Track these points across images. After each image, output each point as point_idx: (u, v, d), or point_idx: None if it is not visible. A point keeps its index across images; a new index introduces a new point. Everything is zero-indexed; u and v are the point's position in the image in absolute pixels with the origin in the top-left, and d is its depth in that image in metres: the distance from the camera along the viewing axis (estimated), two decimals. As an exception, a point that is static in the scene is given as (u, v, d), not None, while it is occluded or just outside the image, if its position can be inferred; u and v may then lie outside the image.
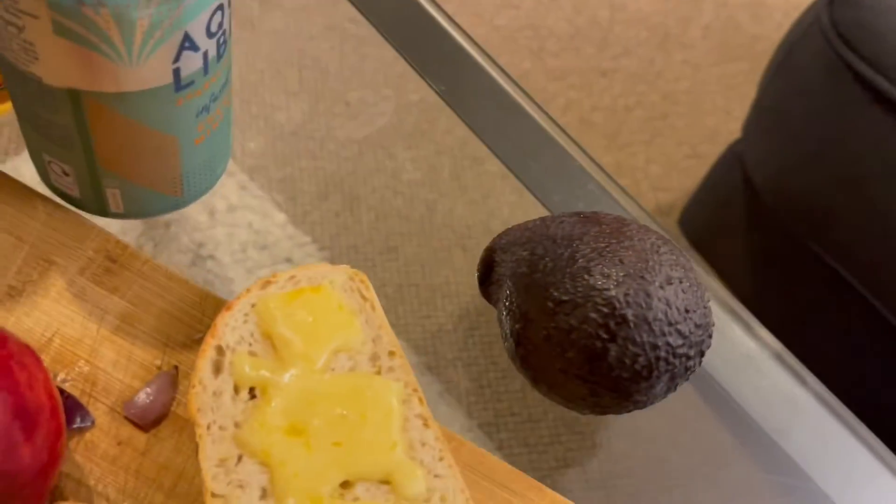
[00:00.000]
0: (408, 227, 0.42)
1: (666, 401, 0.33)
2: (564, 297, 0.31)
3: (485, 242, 0.34)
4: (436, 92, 0.46)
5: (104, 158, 0.32)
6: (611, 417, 0.37)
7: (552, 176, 0.44)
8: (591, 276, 0.31)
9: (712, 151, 1.20)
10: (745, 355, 0.39)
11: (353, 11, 0.48)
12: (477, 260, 0.35)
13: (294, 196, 0.41)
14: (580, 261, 0.31)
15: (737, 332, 0.40)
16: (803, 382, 0.39)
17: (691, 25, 1.39)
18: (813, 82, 0.71)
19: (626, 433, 0.37)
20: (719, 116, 1.30)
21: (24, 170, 0.35)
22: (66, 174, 0.33)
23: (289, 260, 0.40)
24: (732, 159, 0.88)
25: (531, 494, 0.32)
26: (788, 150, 0.75)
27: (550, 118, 0.46)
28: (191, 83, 0.30)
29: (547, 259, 0.32)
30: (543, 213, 0.41)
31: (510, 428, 0.37)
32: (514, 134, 0.45)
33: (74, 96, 0.29)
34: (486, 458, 0.32)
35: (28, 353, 0.26)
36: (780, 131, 0.76)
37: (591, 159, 0.44)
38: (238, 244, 0.39)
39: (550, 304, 0.31)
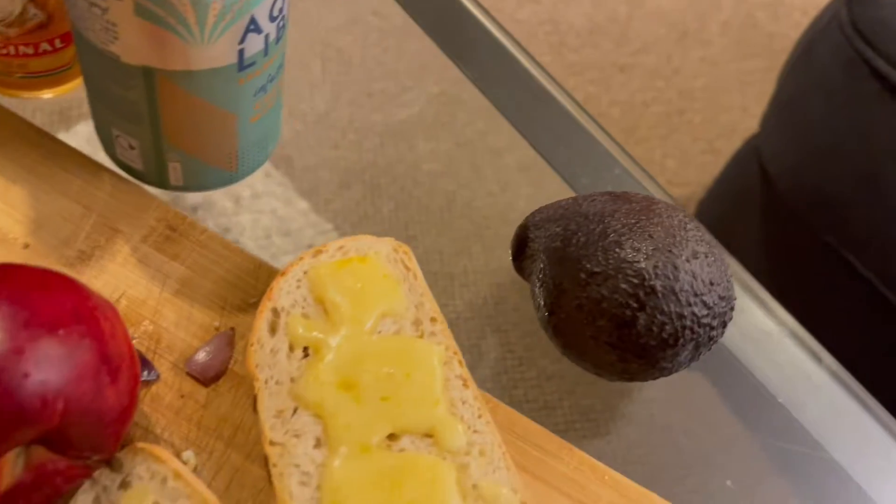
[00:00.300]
0: (427, 216, 0.43)
1: (685, 380, 0.35)
2: (597, 269, 0.33)
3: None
4: (469, 78, 0.48)
5: (169, 133, 0.34)
6: (625, 404, 0.39)
7: (579, 161, 0.46)
8: (622, 249, 0.33)
9: (729, 147, 1.21)
10: (763, 332, 0.41)
11: (376, 3, 0.50)
12: (495, 249, 0.37)
13: (316, 185, 0.41)
14: (612, 235, 0.33)
15: (755, 309, 0.42)
16: (818, 360, 0.41)
17: (709, 22, 1.40)
18: (831, 78, 0.73)
19: (640, 420, 0.38)
20: (736, 113, 1.31)
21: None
22: (132, 147, 0.35)
23: (311, 247, 0.41)
24: (749, 154, 0.90)
25: (562, 454, 0.34)
26: (806, 143, 0.76)
27: (578, 104, 0.48)
28: (252, 63, 0.32)
29: (580, 234, 0.34)
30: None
31: (525, 414, 0.38)
32: (542, 119, 0.47)
33: (148, 74, 0.31)
34: (520, 420, 0.35)
35: (109, 307, 0.28)
36: (797, 125, 0.78)
37: (618, 144, 0.46)
38: (262, 230, 0.41)
39: (583, 276, 0.33)
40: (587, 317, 0.33)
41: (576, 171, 0.45)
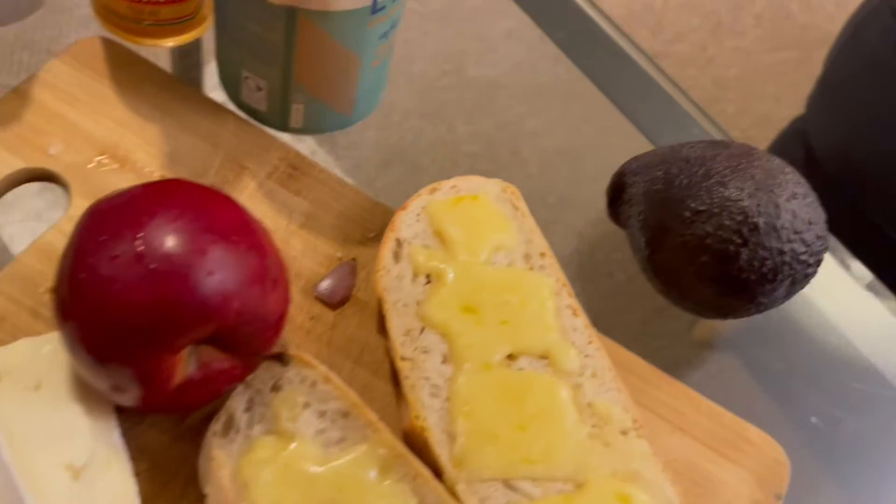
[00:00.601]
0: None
1: (772, 322, 0.36)
2: (701, 208, 0.35)
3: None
4: (554, 42, 0.50)
5: (299, 74, 0.36)
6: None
7: (659, 119, 0.48)
8: (725, 188, 0.35)
9: (762, 136, 1.23)
10: (842, 283, 0.43)
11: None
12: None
13: (360, 163, 0.43)
14: (715, 177, 0.35)
15: (833, 261, 0.44)
16: (893, 310, 0.43)
17: (743, 13, 1.42)
18: (881, 59, 0.74)
19: (724, 362, 0.40)
20: (769, 103, 1.32)
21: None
22: (260, 89, 0.37)
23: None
24: (793, 137, 0.91)
25: (661, 384, 0.36)
26: (854, 124, 0.78)
27: (658, 67, 0.50)
28: (382, 8, 0.34)
29: (682, 177, 0.36)
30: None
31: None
32: (624, 81, 0.49)
33: (290, 14, 0.33)
34: (620, 350, 0.37)
35: (262, 225, 0.30)
36: (845, 106, 0.79)
37: (695, 104, 0.48)
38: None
39: (687, 214, 0.35)
40: (690, 253, 0.35)
41: (656, 130, 0.47)
